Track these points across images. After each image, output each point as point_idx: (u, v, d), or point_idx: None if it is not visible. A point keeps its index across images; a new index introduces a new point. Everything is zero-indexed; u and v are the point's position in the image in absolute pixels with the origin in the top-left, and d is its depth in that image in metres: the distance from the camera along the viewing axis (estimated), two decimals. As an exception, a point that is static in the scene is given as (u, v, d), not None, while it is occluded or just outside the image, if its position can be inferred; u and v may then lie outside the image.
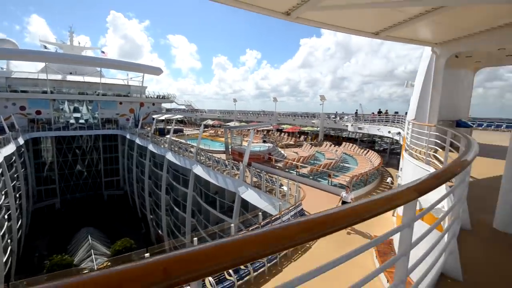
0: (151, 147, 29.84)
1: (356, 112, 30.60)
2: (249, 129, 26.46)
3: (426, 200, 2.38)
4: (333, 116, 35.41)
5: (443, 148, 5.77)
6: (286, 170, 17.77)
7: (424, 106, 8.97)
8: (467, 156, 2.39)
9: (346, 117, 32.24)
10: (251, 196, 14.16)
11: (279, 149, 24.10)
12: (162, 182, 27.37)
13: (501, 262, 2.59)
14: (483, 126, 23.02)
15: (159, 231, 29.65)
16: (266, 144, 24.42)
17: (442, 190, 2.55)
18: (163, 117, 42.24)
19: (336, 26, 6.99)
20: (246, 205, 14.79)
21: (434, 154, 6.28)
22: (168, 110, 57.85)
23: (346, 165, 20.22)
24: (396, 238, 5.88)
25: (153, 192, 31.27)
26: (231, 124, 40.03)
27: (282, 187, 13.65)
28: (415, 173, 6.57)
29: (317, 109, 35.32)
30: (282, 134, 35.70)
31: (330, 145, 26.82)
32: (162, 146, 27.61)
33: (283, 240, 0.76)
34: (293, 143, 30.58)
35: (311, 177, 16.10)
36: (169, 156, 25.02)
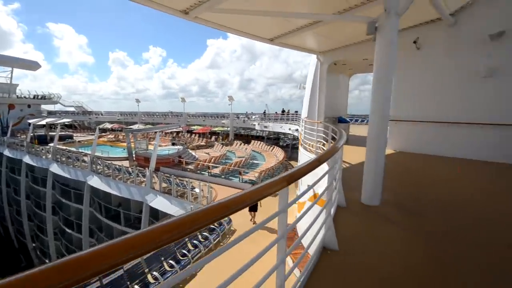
0: (27, 159, 24.12)
1: (264, 112, 32.83)
2: (155, 132, 24.70)
3: (318, 184, 2.75)
4: (242, 116, 36.93)
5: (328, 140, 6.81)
6: (198, 171, 17.48)
7: (313, 105, 10.39)
8: (337, 144, 2.88)
9: (254, 116, 34.21)
10: (160, 203, 13.28)
11: (190, 151, 23.48)
12: (47, 201, 22.54)
13: (366, 229, 3.25)
14: (358, 121, 28.35)
15: (46, 261, 24.34)
16: (176, 147, 23.37)
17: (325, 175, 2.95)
18: (43, 122, 34.57)
19: (235, 29, 7.27)
20: (155, 214, 13.79)
21: (322, 146, 7.35)
22: (51, 113, 47.99)
23: (255, 161, 21.43)
24: (300, 225, 6.55)
25: (34, 214, 25.34)
26: (135, 127, 36.50)
27: (194, 189, 13.36)
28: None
29: (227, 109, 36.11)
30: (193, 135, 34.92)
31: (240, 144, 27.89)
32: (44, 157, 22.73)
33: (129, 250, 0.72)
34: (205, 144, 30.37)
35: (223, 176, 16.34)
36: (55, 169, 20.78)
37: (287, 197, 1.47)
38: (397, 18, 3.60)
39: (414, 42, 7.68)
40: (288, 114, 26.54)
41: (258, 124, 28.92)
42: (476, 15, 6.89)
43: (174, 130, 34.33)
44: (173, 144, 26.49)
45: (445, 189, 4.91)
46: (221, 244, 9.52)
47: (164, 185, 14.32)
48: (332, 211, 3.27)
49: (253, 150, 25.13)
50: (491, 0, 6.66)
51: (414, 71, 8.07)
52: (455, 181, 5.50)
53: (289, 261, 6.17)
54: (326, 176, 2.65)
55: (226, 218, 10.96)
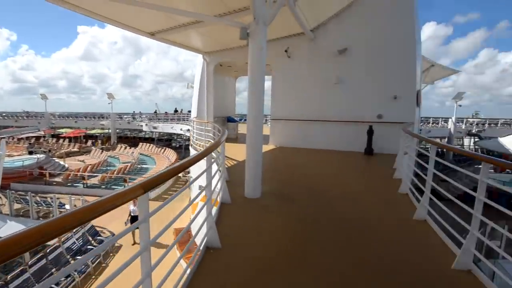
0: None
1: (155, 112, 30.39)
2: (0, 138, 18.84)
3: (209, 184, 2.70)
4: (127, 116, 33.02)
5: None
6: (69, 184, 14.52)
7: (202, 105, 10.39)
8: (220, 138, 2.95)
9: (142, 116, 31.24)
10: (11, 229, 10.11)
11: (57, 160, 19.25)
12: None
13: (249, 222, 3.48)
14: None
15: None
16: (34, 156, 18.59)
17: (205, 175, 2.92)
18: None
19: (105, 17, 6.34)
20: (4, 245, 10.53)
21: (211, 146, 7.44)
22: None
23: (144, 166, 19.68)
24: (193, 227, 6.36)
25: None
26: (-35, 132, 26.72)
27: (63, 206, 11.01)
28: (198, 165, 7.47)
29: (108, 109, 31.35)
30: (61, 140, 28.72)
31: (125, 148, 25.00)
32: None
33: None
34: (78, 150, 25.54)
35: (103, 186, 14.18)
36: None
37: (147, 205, 1.36)
38: (265, 26, 3.99)
39: (286, 51, 8.82)
40: (180, 114, 25.64)
41: (146, 124, 26.61)
42: (328, 33, 8.55)
43: (31, 134, 27.21)
44: (31, 152, 20.97)
45: (312, 175, 5.88)
46: (104, 264, 8.24)
47: (17, 206, 11.14)
48: (215, 209, 3.34)
49: (141, 154, 22.95)
50: (338, 21, 8.41)
51: (287, 76, 9.27)
52: (319, 168, 6.68)
53: (183, 263, 5.96)
54: (205, 175, 2.66)
55: (108, 234, 9.56)
